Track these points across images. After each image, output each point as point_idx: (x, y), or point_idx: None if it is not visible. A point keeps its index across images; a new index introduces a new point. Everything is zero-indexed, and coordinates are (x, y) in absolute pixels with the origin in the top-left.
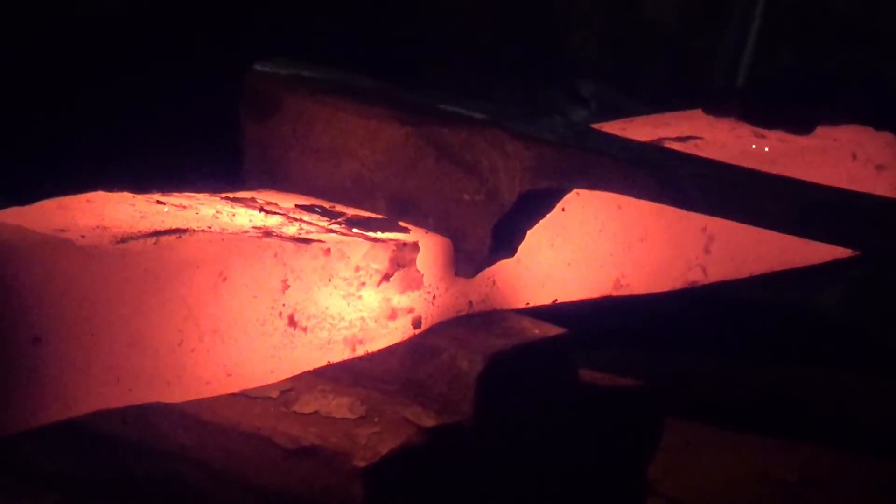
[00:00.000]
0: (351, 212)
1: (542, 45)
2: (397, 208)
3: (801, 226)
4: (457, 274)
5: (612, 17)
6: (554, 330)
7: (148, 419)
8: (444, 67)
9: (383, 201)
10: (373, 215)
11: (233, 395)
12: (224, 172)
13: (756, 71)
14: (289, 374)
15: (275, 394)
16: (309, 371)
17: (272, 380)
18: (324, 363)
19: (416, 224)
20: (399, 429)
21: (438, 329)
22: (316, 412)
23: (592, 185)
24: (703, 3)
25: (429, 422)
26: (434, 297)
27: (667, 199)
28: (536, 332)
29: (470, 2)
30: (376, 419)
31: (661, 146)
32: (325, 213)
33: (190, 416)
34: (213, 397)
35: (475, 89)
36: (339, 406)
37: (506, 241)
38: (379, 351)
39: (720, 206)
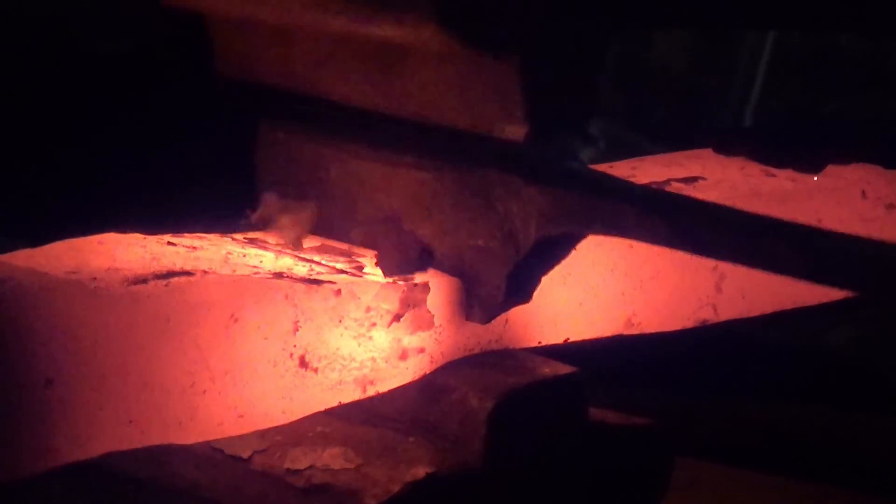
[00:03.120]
0: (362, 252)
1: None
2: (413, 253)
3: (816, 273)
4: (468, 319)
5: (621, 56)
6: (564, 368)
7: (160, 458)
8: None
9: (399, 246)
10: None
11: (244, 434)
12: (235, 213)
13: (764, 110)
14: (300, 415)
15: (286, 433)
16: (320, 411)
17: (283, 421)
18: (335, 404)
19: (432, 268)
20: (410, 467)
21: (450, 368)
22: (326, 451)
23: (607, 231)
24: (711, 42)
25: (440, 460)
26: (445, 336)
27: (681, 244)
28: (547, 370)
29: None
30: (387, 458)
31: (676, 193)
32: (336, 253)
33: (201, 455)
34: (224, 437)
35: None
36: (350, 446)
37: (521, 286)
38: (390, 390)
39: (734, 252)
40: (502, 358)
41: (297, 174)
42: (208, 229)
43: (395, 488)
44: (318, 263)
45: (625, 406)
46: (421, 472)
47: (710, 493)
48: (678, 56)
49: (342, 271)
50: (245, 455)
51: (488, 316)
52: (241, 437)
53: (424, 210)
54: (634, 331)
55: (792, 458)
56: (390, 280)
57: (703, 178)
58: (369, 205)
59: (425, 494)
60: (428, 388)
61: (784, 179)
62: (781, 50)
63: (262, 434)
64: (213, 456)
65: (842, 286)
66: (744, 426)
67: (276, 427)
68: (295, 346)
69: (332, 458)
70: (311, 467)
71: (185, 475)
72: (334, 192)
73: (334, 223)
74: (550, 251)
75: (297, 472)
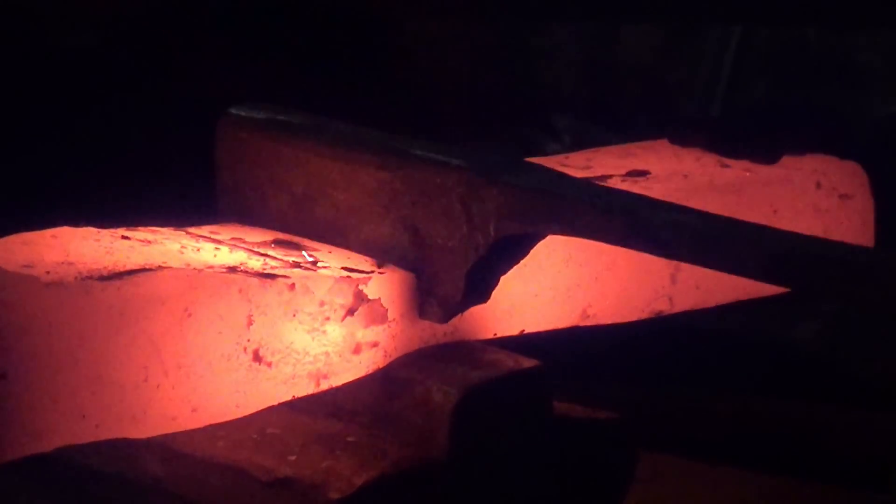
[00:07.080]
0: (317, 247)
1: (516, 77)
2: (371, 252)
3: (775, 276)
4: (424, 317)
5: (587, 51)
6: (528, 362)
7: (122, 452)
8: (417, 100)
9: (357, 245)
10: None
11: (206, 427)
12: (189, 208)
13: (730, 104)
14: (254, 410)
15: (249, 426)
16: (282, 403)
17: (238, 415)
18: (289, 398)
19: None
20: (374, 461)
21: (410, 360)
22: (290, 445)
23: (566, 231)
24: (677, 36)
25: (404, 454)
26: (399, 330)
27: (640, 245)
28: (510, 363)
29: (444, 34)
30: (351, 452)
31: (634, 193)
32: (290, 247)
33: (164, 449)
34: (187, 431)
35: (449, 122)
36: (312, 440)
37: (479, 286)
38: (350, 383)
39: (693, 254)
40: (463, 351)
41: (256, 172)
42: (163, 223)
43: (359, 482)
44: (273, 258)
45: (581, 398)
46: (385, 466)
47: (672, 486)
48: (645, 50)
49: (296, 265)
50: (208, 449)
51: (448, 315)
52: (202, 429)
53: (383, 209)
54: (590, 322)
55: (753, 452)
56: (345, 275)
57: (658, 169)
58: (328, 202)
59: (389, 488)
60: (390, 382)
61: (739, 170)
62: (748, 43)
63: (224, 427)
64: (174, 449)
65: (800, 289)
66: (703, 419)
67: (238, 420)
68: (249, 340)
69: (295, 452)
70: (274, 461)
71: (147, 469)
72: (293, 189)
73: (292, 219)
74: (510, 251)
75: (260, 466)
